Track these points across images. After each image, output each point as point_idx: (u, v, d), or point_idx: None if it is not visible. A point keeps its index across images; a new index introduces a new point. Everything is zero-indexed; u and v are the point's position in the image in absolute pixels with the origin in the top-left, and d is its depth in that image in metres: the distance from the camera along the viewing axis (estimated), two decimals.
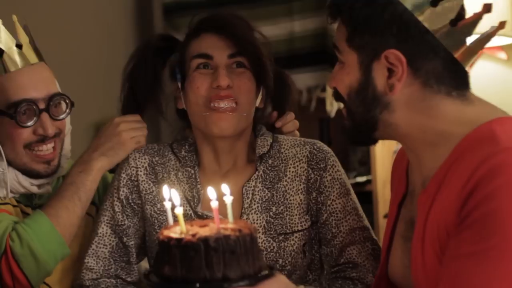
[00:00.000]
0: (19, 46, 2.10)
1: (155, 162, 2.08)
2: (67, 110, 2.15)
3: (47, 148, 2.12)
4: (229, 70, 2.00)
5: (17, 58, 2.09)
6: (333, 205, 2.01)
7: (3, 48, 2.07)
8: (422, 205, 1.63)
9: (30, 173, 2.13)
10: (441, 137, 1.62)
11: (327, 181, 2.02)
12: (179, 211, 1.44)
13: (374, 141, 1.72)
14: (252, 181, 2.03)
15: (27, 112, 2.08)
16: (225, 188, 1.49)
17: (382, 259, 1.80)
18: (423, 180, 1.66)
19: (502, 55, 3.69)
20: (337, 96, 1.70)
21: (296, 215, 2.01)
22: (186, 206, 2.03)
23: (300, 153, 2.05)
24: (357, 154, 4.13)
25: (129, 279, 2.08)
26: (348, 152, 4.14)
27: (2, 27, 2.10)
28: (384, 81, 1.61)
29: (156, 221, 2.05)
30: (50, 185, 2.20)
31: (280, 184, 2.03)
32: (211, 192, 1.47)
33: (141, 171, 2.08)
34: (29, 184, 2.14)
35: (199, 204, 2.03)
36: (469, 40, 1.62)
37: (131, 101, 2.14)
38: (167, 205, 1.49)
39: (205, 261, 1.42)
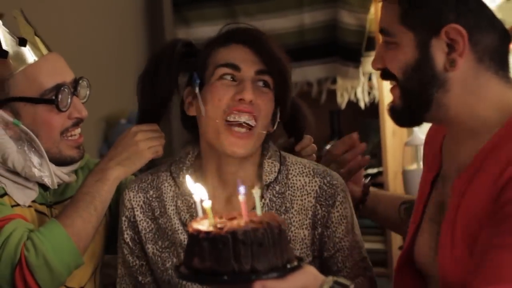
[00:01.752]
0: (37, 35, 2.14)
1: (150, 198, 2.04)
2: (88, 92, 2.21)
3: (77, 132, 2.17)
4: (254, 86, 1.94)
5: (39, 46, 2.12)
6: (340, 243, 2.00)
7: (25, 37, 2.10)
8: (456, 190, 1.63)
9: (64, 161, 2.16)
10: (483, 125, 1.62)
11: (335, 217, 1.99)
12: (208, 204, 1.44)
13: (421, 122, 1.72)
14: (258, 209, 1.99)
15: (63, 96, 2.11)
16: (242, 189, 1.48)
17: (408, 240, 1.80)
18: (458, 167, 1.66)
19: None
20: (386, 76, 1.67)
21: (298, 249, 1.98)
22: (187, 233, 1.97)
23: (309, 186, 1.99)
24: (368, 146, 4.11)
25: None
26: None
27: (20, 18, 2.13)
28: (444, 57, 1.60)
29: (159, 259, 2.01)
30: (73, 173, 2.22)
31: (286, 216, 1.98)
32: (240, 185, 1.47)
33: (137, 210, 2.04)
34: (62, 174, 2.16)
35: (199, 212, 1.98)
36: None
37: (149, 107, 2.08)
38: (196, 197, 1.49)
39: (234, 253, 1.42)
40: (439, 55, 1.60)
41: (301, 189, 1.99)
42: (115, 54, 4.10)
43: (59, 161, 2.15)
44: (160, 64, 2.02)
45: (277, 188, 1.99)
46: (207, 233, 1.43)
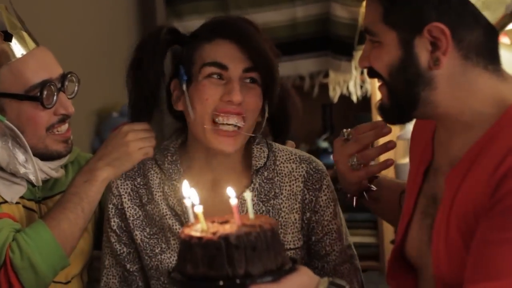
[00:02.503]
0: (25, 29, 2.11)
1: (137, 185, 2.05)
2: (76, 88, 2.17)
3: (65, 128, 2.14)
4: (241, 84, 1.93)
5: (26, 41, 2.09)
6: (329, 226, 2.03)
7: (11, 32, 2.07)
8: (450, 183, 1.62)
9: (50, 156, 2.13)
10: (477, 118, 1.61)
11: (322, 201, 2.02)
12: (199, 209, 1.44)
13: (411, 119, 1.72)
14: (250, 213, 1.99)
15: (48, 93, 2.08)
16: (230, 191, 1.47)
17: (400, 234, 1.80)
18: (451, 159, 1.66)
19: (506, 40, 3.69)
20: (373, 74, 1.67)
21: (289, 233, 2.00)
22: (176, 221, 1.99)
23: (296, 171, 2.02)
24: None
25: None
26: None
27: (5, 12, 2.10)
28: (428, 56, 1.59)
29: (147, 245, 2.02)
30: (62, 168, 2.20)
31: (276, 202, 2.00)
32: (230, 191, 1.47)
33: (125, 197, 2.04)
34: (49, 169, 2.14)
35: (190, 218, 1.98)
36: (509, 7, 1.61)
37: (138, 101, 2.05)
38: (187, 202, 1.48)
39: (227, 258, 1.42)
40: (423, 53, 1.59)
41: (289, 175, 2.02)
42: (107, 48, 4.08)
43: (46, 156, 2.13)
44: (145, 53, 2.00)
45: (266, 174, 2.01)
46: (200, 238, 1.42)
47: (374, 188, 2.04)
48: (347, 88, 3.84)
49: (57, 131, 2.12)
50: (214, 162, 2.00)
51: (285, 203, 2.00)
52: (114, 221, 2.04)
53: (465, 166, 1.61)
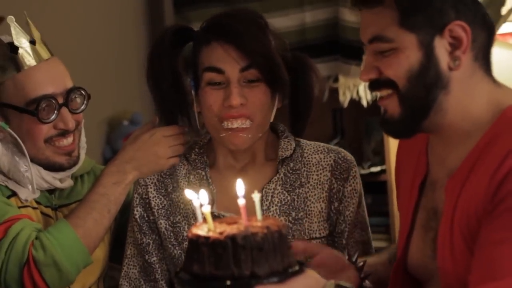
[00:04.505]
0: (33, 42, 2.10)
1: (164, 175, 2.07)
2: (85, 103, 2.15)
3: (67, 142, 2.12)
4: (242, 85, 1.92)
5: (31, 54, 2.08)
6: (351, 216, 2.03)
7: (17, 45, 2.07)
8: (450, 192, 1.61)
9: (53, 167, 2.13)
10: (475, 125, 1.60)
11: (348, 191, 2.02)
12: (207, 209, 1.43)
13: (416, 132, 1.66)
14: (273, 183, 2.01)
15: (47, 108, 2.08)
16: (240, 184, 1.47)
17: (400, 248, 1.78)
18: (448, 171, 1.64)
19: None
20: (379, 85, 1.62)
21: (315, 222, 2.00)
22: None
23: (324, 161, 2.02)
24: (371, 144, 4.12)
25: None
26: (362, 142, 4.14)
27: (14, 24, 2.09)
28: (447, 56, 1.57)
29: (172, 234, 2.03)
30: (71, 178, 2.20)
31: (302, 190, 2.00)
32: (239, 186, 1.46)
33: (151, 187, 2.06)
34: (52, 179, 2.14)
35: (214, 205, 2.00)
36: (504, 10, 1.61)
37: (163, 104, 2.05)
38: (196, 203, 1.48)
39: (233, 258, 1.41)
40: (442, 54, 1.57)
41: (316, 164, 2.02)
42: (117, 56, 4.10)
43: (48, 167, 2.13)
44: (154, 59, 2.01)
45: (292, 164, 2.02)
46: (206, 238, 1.41)
47: (370, 286, 1.87)
48: (357, 92, 3.84)
49: (58, 144, 2.11)
50: (238, 156, 2.02)
51: (312, 192, 2.01)
52: (137, 210, 2.06)
53: (464, 174, 1.59)
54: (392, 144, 3.75)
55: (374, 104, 3.84)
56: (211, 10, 4.03)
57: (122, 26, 4.18)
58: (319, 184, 2.01)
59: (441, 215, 1.65)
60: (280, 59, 1.94)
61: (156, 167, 2.06)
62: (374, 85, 1.64)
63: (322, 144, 2.08)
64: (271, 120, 2.01)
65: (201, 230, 1.44)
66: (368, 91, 3.83)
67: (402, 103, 1.60)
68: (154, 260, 2.05)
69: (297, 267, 1.48)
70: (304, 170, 2.02)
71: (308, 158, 2.03)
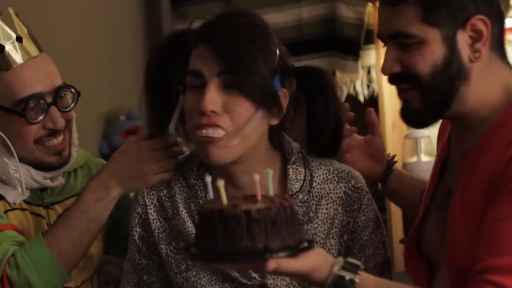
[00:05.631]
0: (19, 39, 2.05)
1: (163, 197, 1.92)
2: (74, 101, 2.09)
3: (57, 141, 2.07)
4: (220, 91, 1.78)
5: (18, 52, 2.04)
6: (366, 245, 1.91)
7: (2, 43, 2.03)
8: (462, 172, 1.65)
9: (42, 166, 2.08)
10: (491, 111, 1.65)
11: (361, 221, 1.90)
12: (221, 183, 1.44)
13: (437, 122, 1.74)
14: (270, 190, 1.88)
15: (35, 107, 2.03)
16: (256, 176, 1.45)
17: (415, 226, 1.81)
18: (463, 154, 1.69)
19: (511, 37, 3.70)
20: (401, 79, 1.67)
21: None
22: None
23: (333, 193, 1.88)
24: None
25: None
26: None
27: (0, 21, 2.06)
28: (468, 49, 1.63)
29: (173, 260, 1.91)
30: (62, 176, 2.16)
31: (310, 226, 1.87)
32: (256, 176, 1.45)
33: (151, 208, 1.92)
34: (42, 178, 2.09)
35: (210, 194, 1.88)
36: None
37: (154, 113, 1.93)
38: (208, 179, 1.47)
39: (247, 232, 1.42)
40: (464, 47, 1.63)
41: (326, 197, 1.89)
42: (113, 51, 4.09)
43: (38, 166, 2.08)
44: (152, 67, 1.91)
45: (301, 196, 1.88)
46: (221, 211, 1.42)
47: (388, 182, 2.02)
48: (354, 88, 3.85)
49: (47, 144, 2.07)
50: (237, 182, 1.87)
51: (321, 227, 1.87)
52: (136, 231, 1.94)
53: (477, 154, 1.63)
54: (389, 140, 3.76)
55: (371, 100, 3.85)
56: (208, 6, 4.03)
57: (119, 21, 4.18)
58: (329, 219, 1.88)
59: (453, 196, 1.68)
60: (263, 71, 1.79)
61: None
62: (395, 79, 1.69)
63: (332, 167, 1.92)
64: (261, 139, 1.86)
65: (217, 205, 1.45)
66: (365, 87, 3.85)
67: (425, 96, 1.66)
68: (154, 280, 1.96)
69: (306, 244, 1.50)
70: (313, 203, 1.88)
71: (317, 189, 1.89)
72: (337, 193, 1.89)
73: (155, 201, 1.93)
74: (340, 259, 1.54)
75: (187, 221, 1.89)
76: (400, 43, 1.66)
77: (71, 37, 3.78)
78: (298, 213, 1.51)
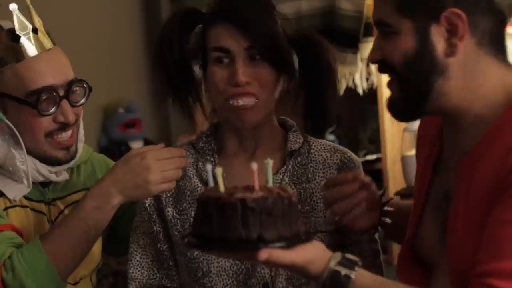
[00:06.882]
0: (35, 30, 2.04)
1: None
2: (85, 96, 2.08)
3: (66, 136, 2.06)
4: (246, 63, 1.93)
5: (33, 43, 2.03)
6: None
7: (19, 33, 2.02)
8: (463, 173, 1.61)
9: (49, 161, 2.07)
10: (488, 108, 1.60)
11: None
12: (219, 170, 1.44)
13: (419, 116, 1.71)
14: (280, 174, 2.01)
15: (47, 99, 2.01)
16: (254, 165, 1.47)
17: (411, 228, 1.77)
18: (461, 153, 1.64)
19: None
20: (384, 68, 1.65)
21: (321, 217, 1.99)
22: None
23: (330, 160, 2.02)
24: (367, 132, 4.14)
25: (174, 286, 2.03)
26: (358, 130, 4.15)
27: (17, 11, 2.04)
28: (444, 43, 1.58)
29: (178, 221, 2.00)
30: (67, 172, 2.14)
31: (308, 185, 2.00)
32: (254, 165, 1.46)
33: None
34: (48, 172, 2.08)
35: (210, 183, 1.97)
36: None
37: (170, 84, 2.02)
38: (209, 167, 1.48)
39: (242, 220, 1.41)
40: (439, 41, 1.58)
41: (323, 162, 2.02)
42: (113, 44, 4.10)
43: (45, 161, 2.07)
44: (164, 42, 2.00)
45: (299, 159, 2.02)
46: (217, 199, 1.42)
47: (388, 221, 1.90)
48: (353, 80, 3.85)
49: (57, 137, 2.05)
50: (246, 144, 2.02)
51: (317, 188, 2.00)
52: (147, 199, 2.01)
53: (478, 155, 1.59)
54: (388, 133, 3.76)
55: (370, 93, 3.86)
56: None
57: (118, 14, 4.18)
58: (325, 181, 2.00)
59: (451, 198, 1.64)
60: (284, 40, 1.96)
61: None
62: (381, 68, 1.67)
63: (328, 142, 2.09)
64: (276, 98, 2.00)
65: (214, 193, 1.44)
66: (364, 80, 3.85)
67: (400, 87, 1.63)
68: (166, 248, 2.02)
69: (304, 237, 1.49)
70: (310, 166, 2.02)
71: (315, 155, 2.03)
72: (333, 160, 2.02)
73: None
74: (338, 254, 1.53)
75: (194, 177, 2.00)
76: (382, 31, 1.63)
77: (70, 31, 3.77)
78: (297, 205, 1.50)
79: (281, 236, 1.44)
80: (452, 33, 1.57)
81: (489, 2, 1.58)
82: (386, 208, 1.91)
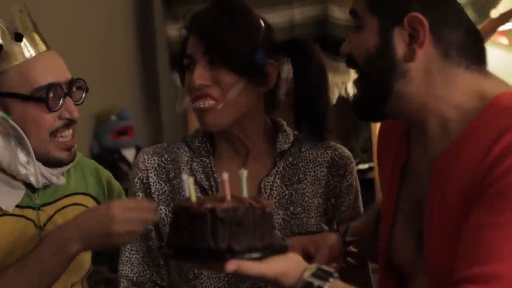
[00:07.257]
0: (36, 30, 2.10)
1: (165, 161, 2.07)
2: (84, 95, 2.14)
3: (69, 134, 2.09)
4: (206, 68, 1.97)
5: (35, 43, 2.07)
6: (345, 212, 2.05)
7: (21, 33, 2.06)
8: (434, 180, 1.60)
9: (52, 162, 2.09)
10: (457, 111, 1.60)
11: (344, 187, 2.05)
12: (190, 180, 1.43)
13: (381, 117, 1.70)
14: (271, 176, 2.03)
15: (54, 96, 2.05)
16: (225, 175, 1.48)
17: (383, 239, 1.77)
18: (431, 159, 1.63)
19: (504, 40, 3.69)
20: (350, 63, 1.67)
21: (313, 217, 2.03)
22: (202, 196, 2.00)
23: (321, 157, 2.05)
24: (359, 141, 4.13)
25: (164, 284, 2.06)
26: (350, 139, 4.14)
27: (18, 13, 2.08)
28: (405, 47, 1.59)
29: (170, 220, 1.98)
30: (63, 176, 2.16)
31: (299, 186, 2.04)
32: (224, 175, 1.47)
33: (151, 172, 2.06)
34: (50, 175, 2.10)
35: (217, 192, 2.01)
36: (494, 13, 1.61)
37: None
38: (184, 177, 1.49)
39: (211, 231, 1.41)
40: (400, 44, 1.59)
41: (313, 161, 2.05)
42: (105, 50, 4.09)
43: (47, 162, 2.09)
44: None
45: (290, 159, 2.05)
46: (187, 208, 1.42)
47: (354, 250, 1.90)
48: (346, 89, 3.84)
49: (61, 136, 2.08)
50: (236, 148, 2.05)
51: (309, 188, 2.04)
52: (138, 195, 2.06)
53: (449, 160, 1.58)
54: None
55: None
56: (201, 6, 4.01)
57: (111, 21, 4.18)
58: (316, 180, 2.05)
59: (423, 209, 1.63)
60: (243, 45, 1.97)
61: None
62: (348, 62, 1.69)
63: (319, 143, 2.09)
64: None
65: (186, 202, 1.44)
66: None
67: (362, 84, 1.65)
68: (156, 246, 2.05)
69: (278, 249, 1.48)
70: (301, 165, 2.05)
71: (306, 154, 2.06)
72: (324, 158, 2.05)
73: (155, 165, 2.07)
74: (313, 266, 1.52)
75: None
76: (354, 24, 1.65)
77: (62, 36, 3.76)
78: (272, 216, 1.49)
79: (252, 247, 1.44)
80: (413, 38, 1.58)
81: (459, 15, 1.59)
82: (349, 248, 1.89)
